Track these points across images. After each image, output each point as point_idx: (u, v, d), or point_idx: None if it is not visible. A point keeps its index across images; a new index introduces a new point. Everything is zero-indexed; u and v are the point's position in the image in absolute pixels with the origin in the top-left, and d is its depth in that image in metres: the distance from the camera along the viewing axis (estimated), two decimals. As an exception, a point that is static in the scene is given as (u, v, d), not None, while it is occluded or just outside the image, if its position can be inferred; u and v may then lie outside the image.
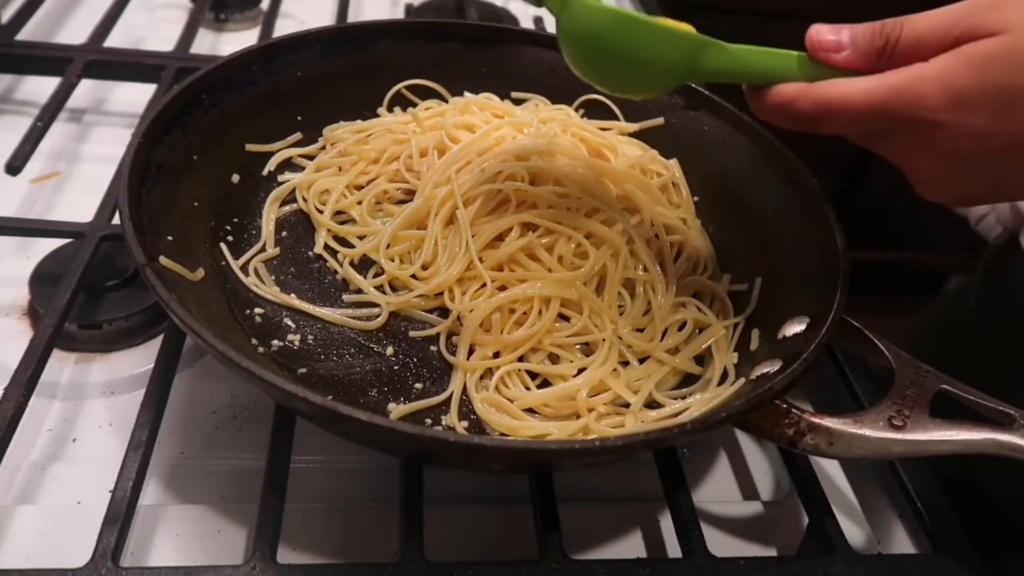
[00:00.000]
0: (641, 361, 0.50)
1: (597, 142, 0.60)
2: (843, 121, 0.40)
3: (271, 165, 0.59)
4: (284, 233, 0.56)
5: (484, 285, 0.51)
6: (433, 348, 0.50)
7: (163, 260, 0.45)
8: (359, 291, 0.53)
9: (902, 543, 0.48)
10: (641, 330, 0.51)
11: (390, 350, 0.50)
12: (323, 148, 0.61)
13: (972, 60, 0.37)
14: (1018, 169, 0.39)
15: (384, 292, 0.53)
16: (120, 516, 0.39)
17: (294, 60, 0.61)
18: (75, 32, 0.84)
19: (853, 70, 0.40)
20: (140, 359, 0.52)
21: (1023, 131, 0.37)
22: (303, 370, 0.47)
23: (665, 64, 0.43)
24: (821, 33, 0.41)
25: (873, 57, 0.40)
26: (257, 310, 0.50)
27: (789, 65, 0.42)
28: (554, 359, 0.50)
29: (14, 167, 0.60)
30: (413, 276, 0.53)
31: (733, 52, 0.42)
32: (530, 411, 0.47)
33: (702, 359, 0.51)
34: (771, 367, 0.46)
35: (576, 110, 0.66)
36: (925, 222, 2.16)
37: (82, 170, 0.68)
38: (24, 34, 0.76)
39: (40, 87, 0.73)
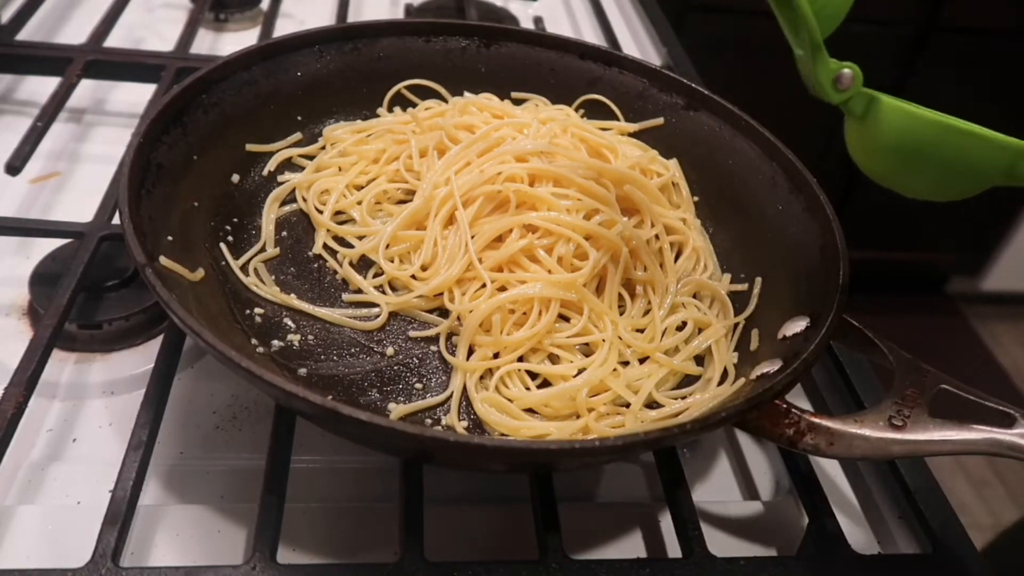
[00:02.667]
0: (641, 361, 0.50)
1: (597, 142, 0.60)
2: None
3: (271, 165, 0.59)
4: (284, 233, 0.56)
5: (484, 286, 0.51)
6: (433, 348, 0.50)
7: (163, 260, 0.45)
8: (359, 291, 0.53)
9: (902, 543, 0.48)
10: (641, 330, 0.51)
11: (390, 350, 0.50)
12: (323, 148, 0.61)
13: None
14: None
15: (384, 292, 0.53)
16: (120, 516, 0.39)
17: (294, 60, 0.61)
18: (75, 32, 0.84)
19: None
20: (140, 359, 0.53)
21: None
22: (303, 370, 0.47)
23: (980, 173, 0.38)
24: None
25: None
26: (257, 310, 0.50)
27: None
28: (554, 359, 0.50)
29: (14, 167, 0.60)
30: (413, 276, 0.53)
31: None
32: (530, 411, 0.47)
33: (702, 359, 0.51)
34: (771, 367, 0.46)
35: (576, 110, 0.66)
36: (925, 222, 2.16)
37: (82, 170, 0.68)
38: (24, 34, 0.76)
39: (40, 87, 0.73)
